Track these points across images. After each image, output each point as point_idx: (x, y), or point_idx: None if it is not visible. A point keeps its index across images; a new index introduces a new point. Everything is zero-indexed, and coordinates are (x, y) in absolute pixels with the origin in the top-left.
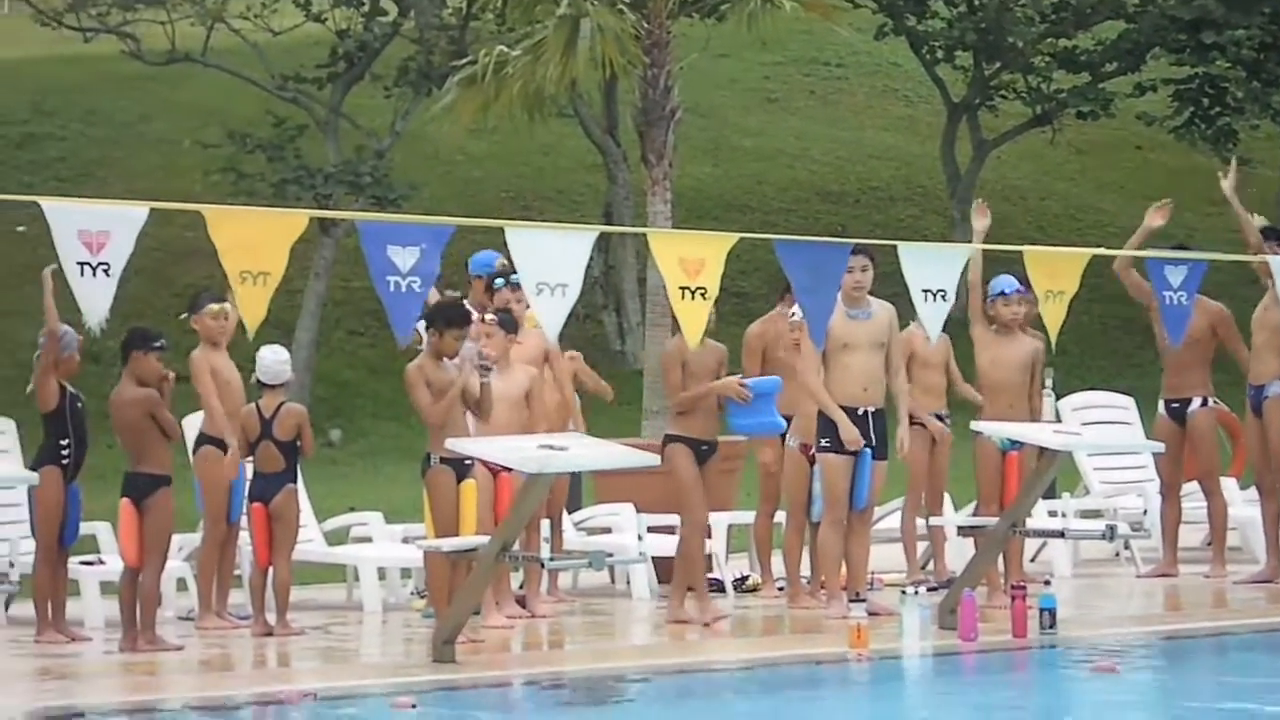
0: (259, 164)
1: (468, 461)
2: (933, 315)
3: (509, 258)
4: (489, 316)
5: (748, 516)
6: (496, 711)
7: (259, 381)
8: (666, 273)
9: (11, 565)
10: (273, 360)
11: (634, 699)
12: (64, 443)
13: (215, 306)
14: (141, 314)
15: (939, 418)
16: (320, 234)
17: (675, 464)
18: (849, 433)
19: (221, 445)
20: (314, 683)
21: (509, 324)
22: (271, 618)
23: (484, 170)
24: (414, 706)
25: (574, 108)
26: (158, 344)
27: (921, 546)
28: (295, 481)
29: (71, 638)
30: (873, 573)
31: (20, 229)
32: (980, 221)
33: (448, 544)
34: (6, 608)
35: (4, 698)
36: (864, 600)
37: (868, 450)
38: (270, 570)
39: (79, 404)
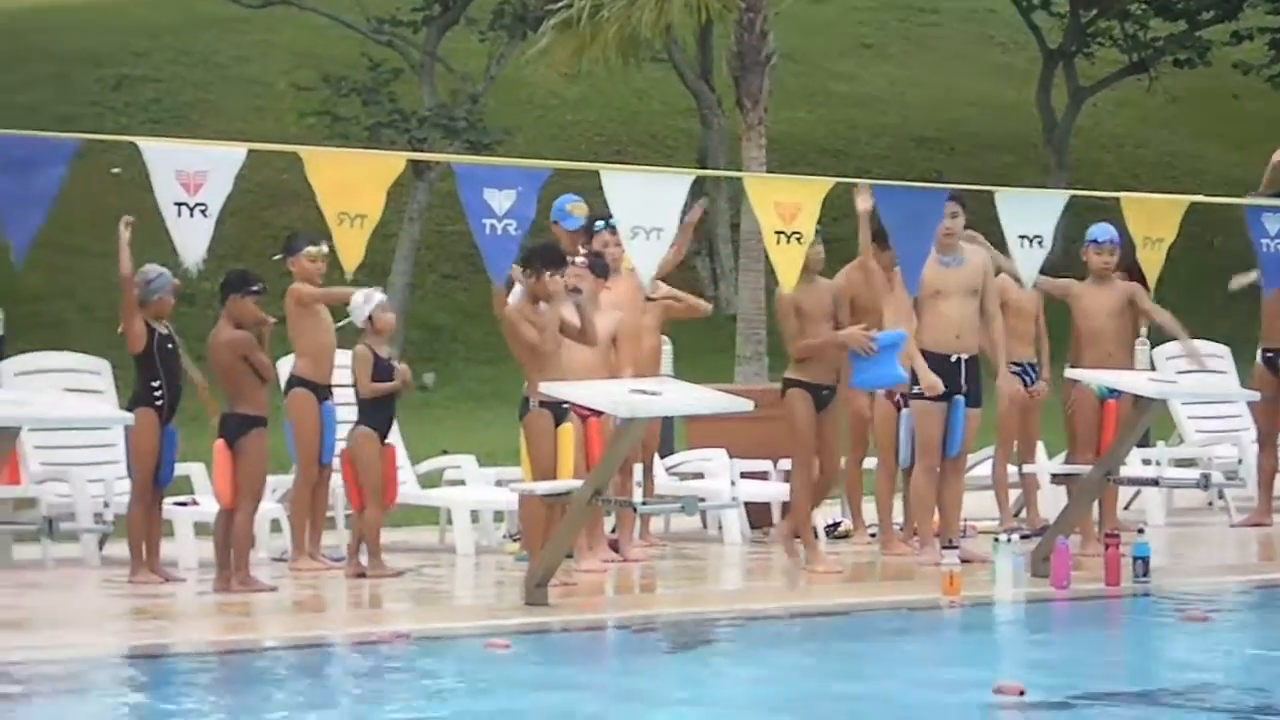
0: (354, 107)
1: (565, 405)
2: (1028, 261)
3: (601, 202)
4: (579, 260)
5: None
6: (588, 655)
7: (353, 326)
8: (762, 217)
9: (106, 505)
10: (354, 303)
11: (725, 644)
12: (155, 384)
13: (313, 249)
14: (237, 256)
15: (1029, 366)
16: (414, 178)
17: (792, 410)
18: (926, 379)
19: (312, 387)
20: (407, 624)
21: (599, 268)
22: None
23: (577, 115)
24: (508, 648)
25: (669, 52)
26: (255, 288)
27: (1014, 494)
28: (367, 424)
29: (166, 578)
30: (966, 520)
31: (115, 171)
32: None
33: (541, 487)
34: (101, 548)
35: (98, 637)
36: (957, 547)
37: (961, 397)
38: (363, 513)
39: (170, 345)
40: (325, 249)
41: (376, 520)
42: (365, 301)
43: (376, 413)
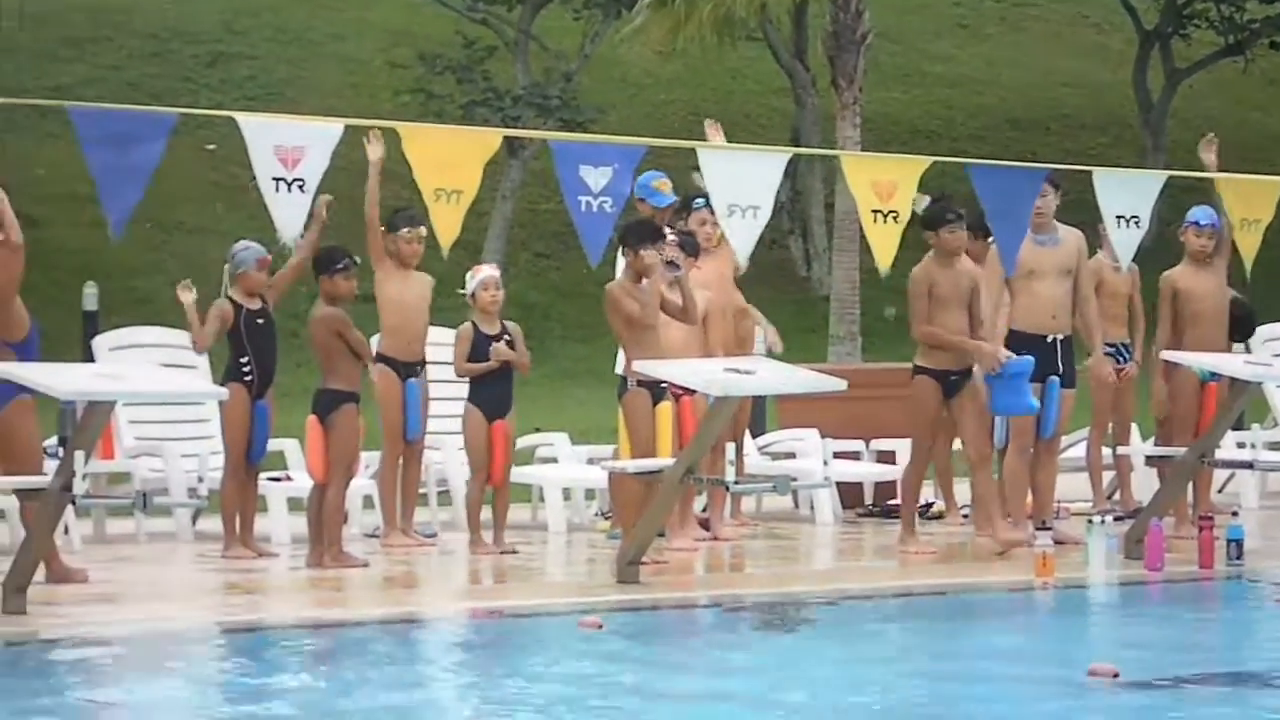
0: (448, 85)
1: (663, 384)
2: (1125, 242)
3: (688, 181)
4: (670, 237)
5: None
6: (679, 633)
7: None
8: (859, 196)
9: (200, 480)
10: (471, 280)
11: (815, 624)
12: (244, 360)
13: (408, 231)
14: (331, 233)
15: (1122, 346)
16: (508, 156)
17: (916, 396)
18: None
19: (394, 364)
20: (499, 601)
21: (690, 246)
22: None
23: (671, 94)
24: (600, 626)
25: (763, 31)
26: (341, 265)
27: (1107, 476)
28: (475, 401)
29: (258, 553)
30: (1059, 501)
31: (210, 147)
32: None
33: (633, 465)
34: (194, 522)
35: (191, 611)
36: (1050, 529)
37: (1055, 378)
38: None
39: (259, 320)
40: (423, 230)
41: (476, 497)
42: (474, 276)
43: (482, 389)
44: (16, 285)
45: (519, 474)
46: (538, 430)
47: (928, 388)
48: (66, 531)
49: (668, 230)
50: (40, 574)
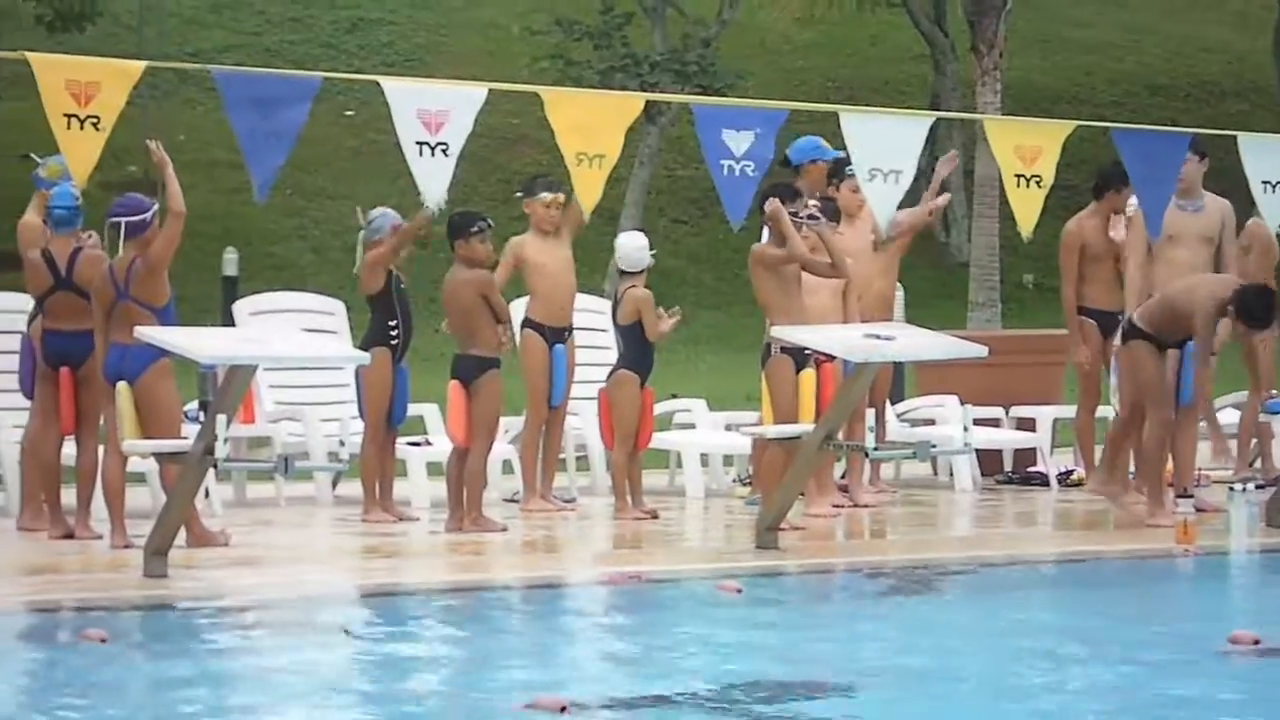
0: (586, 51)
1: (807, 352)
2: (1272, 207)
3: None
4: (811, 202)
5: (1072, 411)
6: (818, 599)
7: (618, 269)
8: (1002, 160)
9: (341, 444)
10: (631, 246)
11: (955, 590)
12: (391, 324)
13: (547, 195)
14: (468, 199)
15: None
16: (646, 122)
17: (1137, 361)
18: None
19: (541, 330)
20: (638, 566)
21: (832, 212)
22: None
23: (809, 60)
24: (739, 591)
25: None
26: (475, 228)
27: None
28: (630, 367)
29: (398, 517)
30: (1200, 469)
31: (348, 113)
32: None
33: (772, 430)
34: (334, 487)
35: (330, 575)
36: (1191, 496)
37: (1191, 344)
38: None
39: (403, 285)
40: (561, 196)
41: (623, 462)
42: (642, 246)
43: (641, 355)
44: (173, 252)
45: (657, 439)
46: (674, 396)
47: (1143, 350)
48: (207, 495)
49: (813, 195)
50: (181, 538)
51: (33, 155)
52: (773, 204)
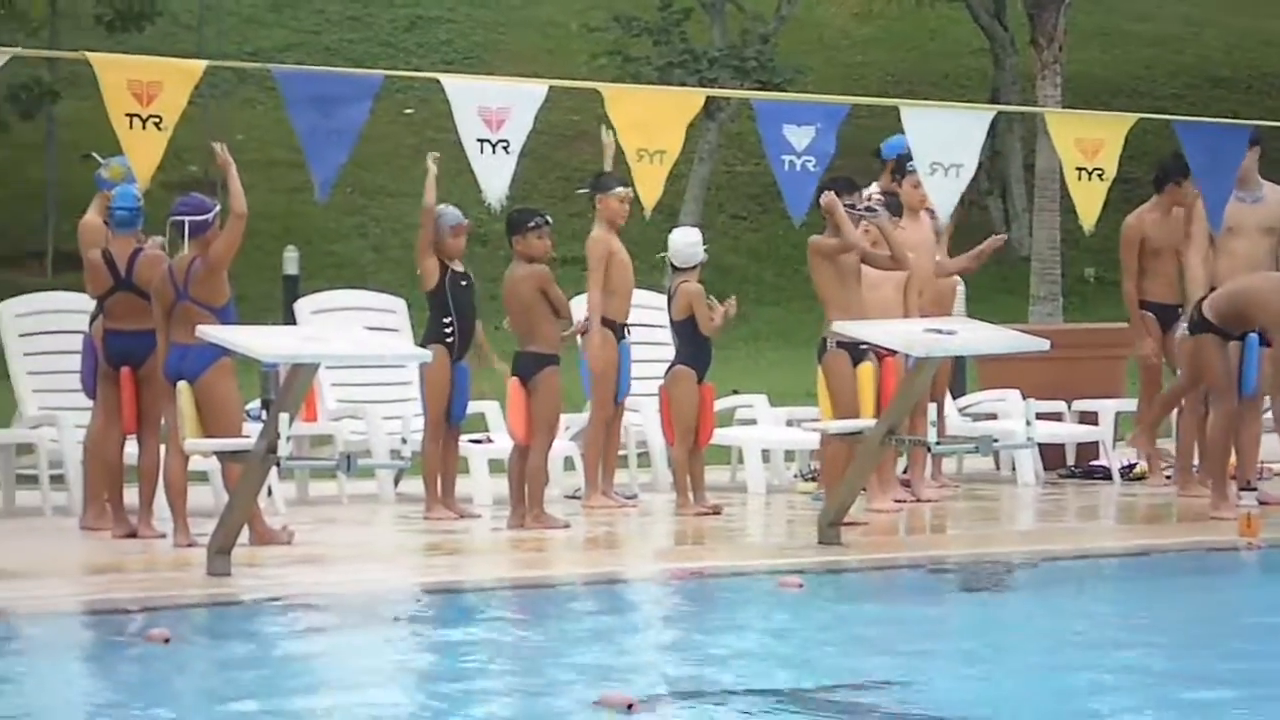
0: (645, 48)
1: (863, 346)
2: None
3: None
4: (875, 196)
5: (1134, 404)
6: (881, 594)
7: (671, 265)
8: (1063, 153)
9: (404, 442)
10: (683, 242)
11: (1017, 585)
12: (446, 320)
13: (621, 190)
14: (528, 197)
15: None
16: (705, 118)
17: (1203, 353)
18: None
19: (610, 326)
20: (700, 561)
21: (894, 206)
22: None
23: (868, 55)
24: (801, 587)
25: None
26: (533, 223)
27: None
28: (686, 362)
29: (460, 514)
30: (1263, 462)
31: (408, 111)
32: None
33: (834, 426)
34: (396, 484)
35: (393, 572)
36: (1254, 489)
37: (1254, 335)
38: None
39: (462, 283)
40: (631, 192)
41: (683, 458)
42: (695, 241)
43: (696, 350)
44: (233, 254)
45: (718, 435)
46: (735, 392)
47: (1211, 345)
48: (270, 494)
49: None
50: (244, 536)
51: (94, 155)
52: (827, 196)
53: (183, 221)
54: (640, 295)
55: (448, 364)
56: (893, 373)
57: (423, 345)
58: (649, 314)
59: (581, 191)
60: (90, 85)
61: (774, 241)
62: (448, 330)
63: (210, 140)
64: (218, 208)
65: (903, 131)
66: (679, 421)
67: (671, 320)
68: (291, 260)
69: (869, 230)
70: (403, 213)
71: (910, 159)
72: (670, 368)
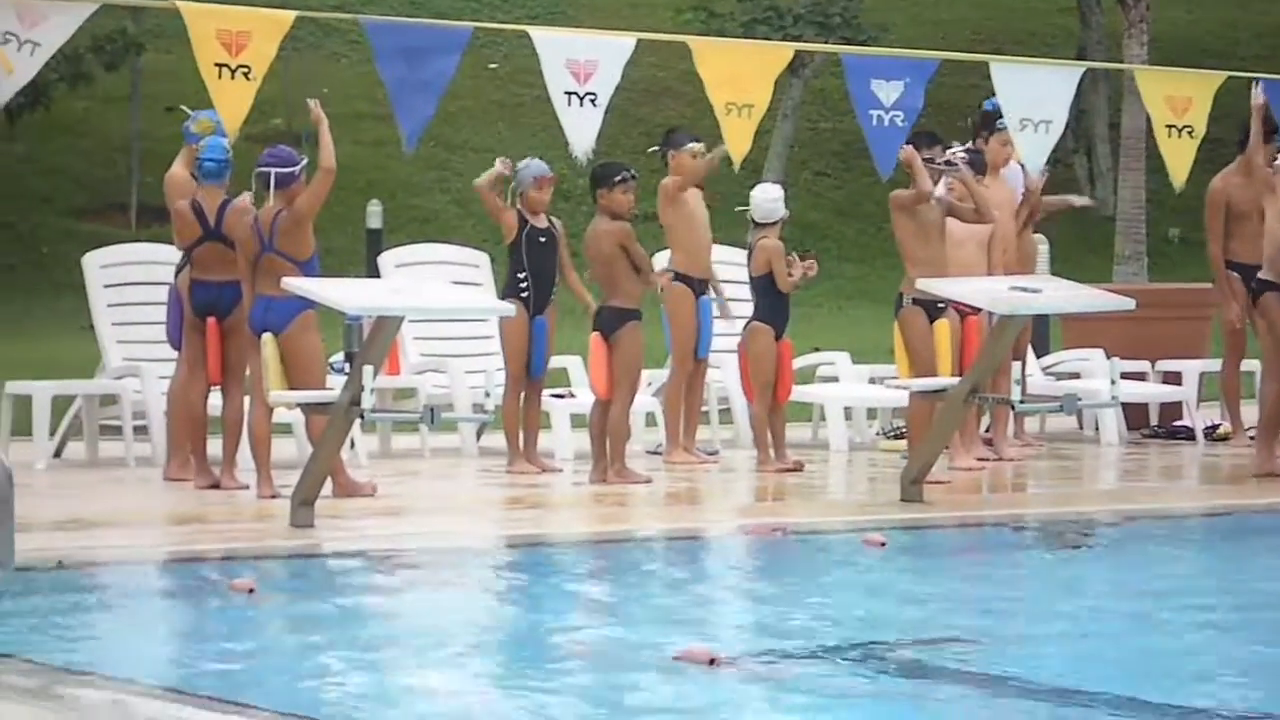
0: (729, 4)
1: (940, 304)
2: None
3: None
4: (959, 154)
5: (1218, 365)
6: (962, 552)
7: (752, 220)
8: (1153, 111)
9: (487, 395)
10: (763, 198)
11: (1099, 544)
12: (521, 276)
13: (695, 145)
14: (610, 152)
15: None
16: (789, 75)
17: (1270, 315)
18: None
19: (688, 281)
20: (782, 518)
21: (978, 164)
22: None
23: (953, 12)
24: (883, 545)
25: None
26: (619, 178)
27: None
28: (764, 319)
29: (542, 469)
30: None
31: (492, 66)
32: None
33: (918, 384)
34: (479, 438)
35: (475, 526)
36: None
37: None
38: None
39: (541, 239)
40: (702, 147)
41: (763, 414)
42: (776, 197)
43: (774, 307)
44: (318, 208)
45: (800, 393)
46: (817, 350)
47: (1273, 301)
48: (353, 446)
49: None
50: (327, 488)
51: (183, 108)
52: (906, 150)
53: (268, 173)
54: (722, 251)
55: (525, 319)
56: (976, 331)
57: (502, 299)
58: (731, 270)
59: (653, 151)
60: (174, 38)
61: (857, 198)
62: (523, 285)
63: (292, 94)
64: (304, 161)
65: (987, 91)
66: (757, 378)
67: (750, 276)
68: (375, 214)
69: (953, 187)
70: (486, 167)
71: (998, 116)
72: (748, 324)
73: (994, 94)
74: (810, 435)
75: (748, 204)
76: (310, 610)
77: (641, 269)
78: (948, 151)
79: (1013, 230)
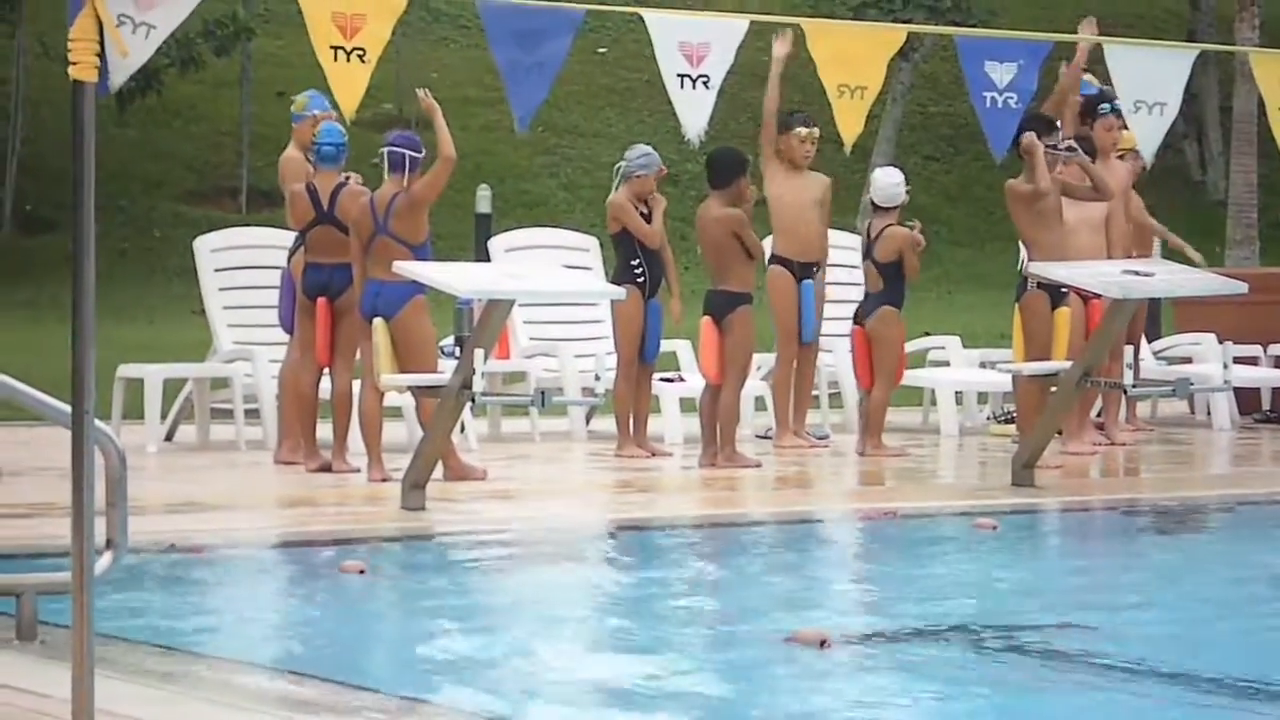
0: None
1: (1063, 289)
2: None
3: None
4: (1067, 141)
5: None
6: (1075, 536)
7: (872, 204)
8: (1268, 94)
9: (598, 379)
10: (886, 182)
11: (1212, 529)
12: (635, 262)
13: (804, 130)
14: (719, 136)
15: None
16: (899, 59)
17: None
18: None
19: (787, 264)
20: (893, 502)
21: (1087, 150)
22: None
23: None
24: (995, 528)
25: None
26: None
27: None
28: (892, 303)
29: (652, 452)
30: None
31: (601, 51)
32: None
33: (1029, 368)
34: (588, 422)
35: (585, 509)
36: None
37: None
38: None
39: (649, 223)
40: (816, 131)
41: (883, 400)
42: (898, 182)
43: (900, 292)
44: (436, 195)
45: (911, 377)
46: (928, 334)
47: None
48: (464, 430)
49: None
50: (438, 472)
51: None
52: (1028, 138)
53: (402, 154)
54: (837, 235)
55: (640, 303)
56: (1100, 314)
57: (615, 284)
58: (841, 254)
59: None
60: (284, 23)
61: (967, 183)
62: (637, 271)
63: (404, 79)
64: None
65: (1096, 76)
66: (885, 362)
67: (875, 261)
68: (484, 198)
69: (1064, 170)
70: (595, 152)
71: (1101, 101)
72: (873, 309)
73: (1097, 79)
74: (921, 419)
75: (858, 189)
76: (421, 592)
77: (754, 255)
78: (1063, 139)
79: (1123, 215)
